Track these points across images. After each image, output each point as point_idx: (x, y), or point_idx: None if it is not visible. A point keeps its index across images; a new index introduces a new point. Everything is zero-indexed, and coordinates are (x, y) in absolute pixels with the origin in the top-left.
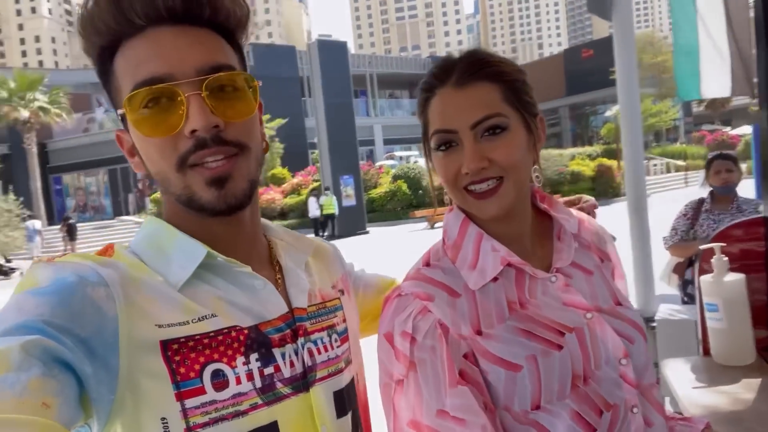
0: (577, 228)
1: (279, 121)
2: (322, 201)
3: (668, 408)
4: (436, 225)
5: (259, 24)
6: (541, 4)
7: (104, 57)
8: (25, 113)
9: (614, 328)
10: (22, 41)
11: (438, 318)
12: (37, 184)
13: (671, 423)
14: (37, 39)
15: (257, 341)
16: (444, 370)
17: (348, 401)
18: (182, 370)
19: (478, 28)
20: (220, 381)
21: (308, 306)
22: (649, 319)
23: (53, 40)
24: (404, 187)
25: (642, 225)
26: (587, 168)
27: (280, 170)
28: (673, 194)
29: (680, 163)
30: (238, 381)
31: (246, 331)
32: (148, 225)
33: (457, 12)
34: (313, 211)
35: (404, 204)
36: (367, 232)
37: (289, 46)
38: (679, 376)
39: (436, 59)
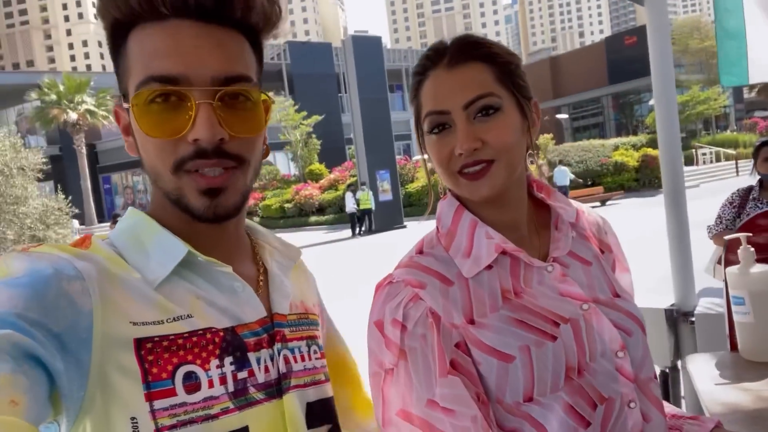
0: (576, 217)
1: (316, 118)
2: (359, 196)
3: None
4: None
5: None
6: None
7: (119, 30)
8: (73, 115)
9: (611, 319)
10: (71, 46)
11: (429, 306)
12: (87, 183)
13: (680, 422)
14: (85, 43)
15: (233, 344)
16: (434, 360)
17: (324, 414)
18: (155, 370)
19: (516, 18)
20: (192, 383)
21: (289, 314)
22: (688, 314)
23: (100, 44)
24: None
25: (680, 217)
26: (631, 158)
27: (317, 166)
28: (723, 184)
29: (731, 151)
30: (211, 384)
31: (221, 334)
32: (129, 217)
33: (494, 2)
34: (350, 206)
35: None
36: (404, 227)
37: (325, 43)
38: (703, 372)
39: None
